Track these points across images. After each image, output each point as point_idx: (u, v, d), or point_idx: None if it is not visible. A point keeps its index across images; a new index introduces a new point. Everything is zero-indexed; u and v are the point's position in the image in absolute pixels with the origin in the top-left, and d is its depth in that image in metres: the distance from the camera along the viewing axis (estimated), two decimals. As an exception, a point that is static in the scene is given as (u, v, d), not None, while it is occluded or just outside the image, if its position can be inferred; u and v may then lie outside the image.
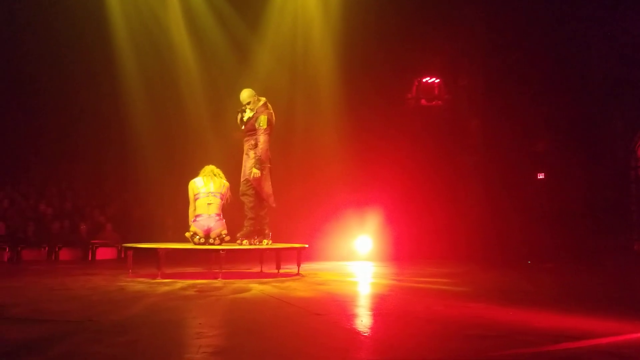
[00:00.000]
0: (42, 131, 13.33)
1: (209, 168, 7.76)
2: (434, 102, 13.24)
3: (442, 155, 12.94)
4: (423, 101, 13.24)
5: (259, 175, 7.59)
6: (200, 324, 4.24)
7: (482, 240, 11.91)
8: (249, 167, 7.68)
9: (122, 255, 10.19)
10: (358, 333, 3.99)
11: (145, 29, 12.65)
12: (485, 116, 12.71)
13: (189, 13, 12.76)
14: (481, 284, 7.41)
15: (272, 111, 7.82)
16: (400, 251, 11.59)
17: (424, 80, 13.29)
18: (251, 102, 7.79)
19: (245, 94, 7.84)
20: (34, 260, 10.72)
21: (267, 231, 7.84)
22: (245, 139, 7.86)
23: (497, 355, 3.33)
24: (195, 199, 7.56)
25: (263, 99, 7.84)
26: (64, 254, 11.19)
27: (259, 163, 7.59)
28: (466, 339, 3.77)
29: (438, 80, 13.32)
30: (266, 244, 7.75)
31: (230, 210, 7.84)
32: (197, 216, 7.51)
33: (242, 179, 7.83)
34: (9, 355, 3.14)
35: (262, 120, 7.65)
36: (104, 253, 11.38)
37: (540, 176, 12.57)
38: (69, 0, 11.84)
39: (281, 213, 10.98)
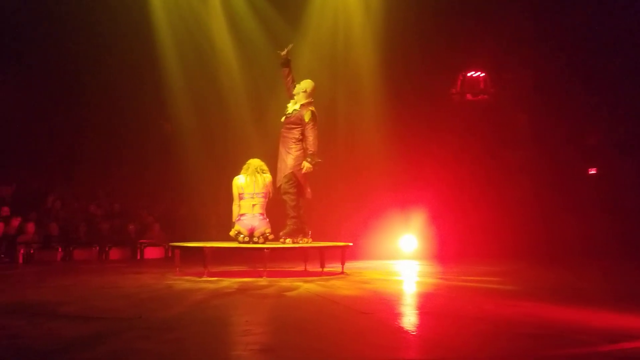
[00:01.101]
0: (89, 134, 13.63)
1: (254, 164, 7.68)
2: (479, 97, 12.96)
3: (488, 151, 12.66)
4: (468, 96, 12.98)
5: (311, 169, 7.58)
6: (246, 321, 4.24)
7: (531, 238, 11.62)
8: (292, 163, 7.65)
9: (169, 254, 10.36)
10: (405, 332, 3.92)
11: (186, 28, 12.80)
12: (533, 110, 12.39)
13: (230, 11, 12.85)
14: (531, 283, 7.21)
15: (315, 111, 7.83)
16: (446, 250, 11.40)
17: (469, 74, 13.04)
18: (299, 94, 7.78)
19: (303, 84, 7.80)
20: (85, 259, 11.00)
21: (307, 230, 7.83)
22: (284, 134, 7.78)
23: (550, 355, 3.22)
24: (240, 199, 7.60)
25: (309, 99, 7.83)
26: (114, 254, 11.45)
27: (314, 157, 7.58)
28: (517, 338, 3.66)
29: (483, 74, 13.05)
30: (306, 242, 7.74)
31: (272, 209, 7.83)
32: (241, 215, 7.56)
33: (281, 176, 7.72)
34: (61, 352, 3.21)
35: (307, 115, 7.66)
36: (152, 252, 11.59)
37: (592, 171, 12.18)
38: (113, 1, 12.08)
39: (325, 212, 10.98)
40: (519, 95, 12.69)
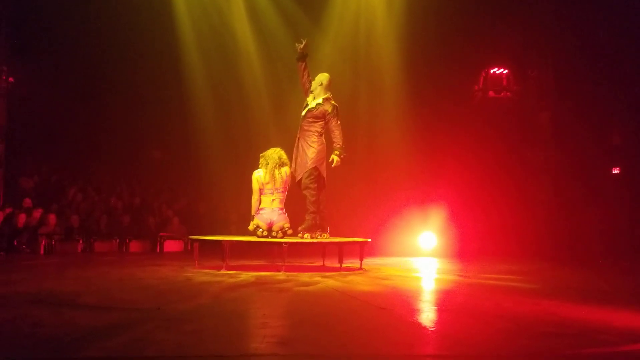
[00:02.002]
0: (111, 128, 13.77)
1: (274, 158, 7.57)
2: (502, 94, 12.82)
3: (510, 150, 12.54)
4: (491, 93, 12.84)
5: (340, 163, 7.55)
6: (264, 314, 4.24)
7: (552, 237, 11.48)
8: (314, 157, 7.61)
9: (188, 248, 10.43)
10: (424, 327, 3.89)
11: (208, 22, 12.86)
12: (557, 108, 12.22)
13: (251, 5, 12.86)
14: (553, 282, 7.12)
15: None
16: (466, 248, 11.31)
17: (492, 71, 12.90)
18: (316, 82, 7.76)
19: (319, 78, 7.78)
20: (106, 251, 11.12)
21: (326, 225, 7.81)
22: (305, 128, 7.74)
23: (573, 354, 3.16)
24: (260, 194, 7.59)
25: (329, 93, 7.82)
26: (134, 246, 11.56)
27: (342, 151, 7.56)
28: (539, 336, 3.61)
29: (506, 71, 12.90)
30: (325, 238, 7.72)
31: (291, 204, 7.82)
32: (260, 209, 7.56)
33: (301, 171, 7.66)
34: (81, 340, 3.23)
35: (331, 109, 7.64)
36: (171, 245, 11.69)
37: (616, 171, 11.99)
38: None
39: (345, 208, 10.97)
40: (542, 92, 12.53)
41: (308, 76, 7.90)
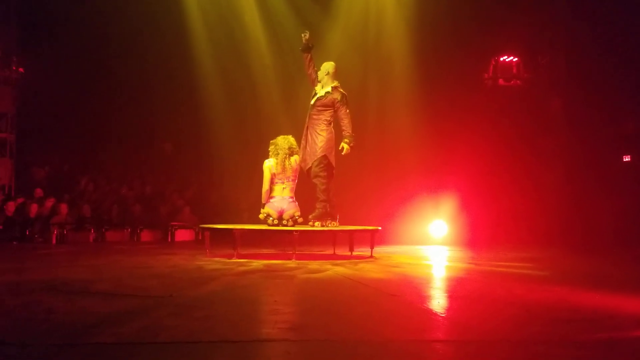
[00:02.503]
0: (121, 118, 13.81)
1: (284, 147, 7.58)
2: (512, 82, 12.74)
3: (521, 138, 12.46)
4: (501, 81, 12.76)
5: (350, 151, 7.54)
6: (275, 301, 4.26)
7: (563, 225, 11.42)
8: (324, 146, 7.60)
9: (200, 237, 10.47)
10: (434, 314, 3.89)
11: (218, 12, 12.82)
12: (568, 96, 12.13)
13: None
14: (564, 269, 7.09)
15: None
16: (477, 236, 11.28)
17: (502, 59, 12.80)
18: (322, 72, 7.75)
19: (325, 67, 7.79)
20: (117, 241, 11.19)
21: (336, 214, 7.81)
22: (314, 117, 7.74)
23: (585, 340, 3.15)
24: (271, 183, 7.60)
25: (336, 82, 7.80)
26: (145, 236, 11.63)
27: (352, 139, 7.55)
28: (551, 322, 3.60)
29: (517, 59, 12.80)
30: (335, 226, 7.73)
31: (302, 193, 7.83)
32: (270, 198, 7.58)
33: (310, 160, 7.66)
34: (94, 326, 3.26)
35: (340, 97, 7.64)
36: (183, 235, 11.74)
37: (627, 158, 11.90)
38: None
39: (355, 196, 10.96)
40: (553, 80, 12.43)
41: (314, 67, 7.91)
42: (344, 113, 7.65)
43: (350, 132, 7.61)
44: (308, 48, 7.92)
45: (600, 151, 11.75)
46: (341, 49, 11.69)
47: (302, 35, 7.93)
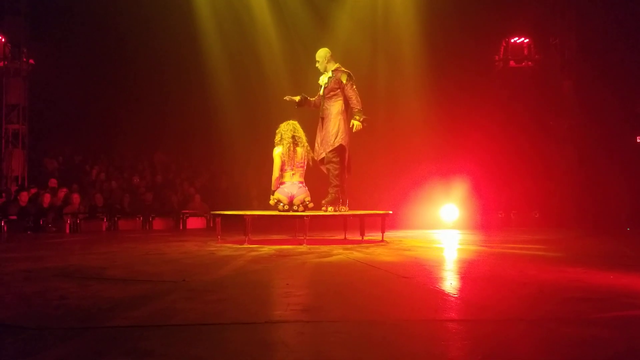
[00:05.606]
0: (132, 109, 13.86)
1: (289, 132, 7.59)
2: (523, 64, 12.62)
3: (533, 120, 12.37)
4: (512, 63, 12.65)
5: (361, 127, 7.48)
6: (287, 284, 4.26)
7: (576, 206, 11.35)
8: (338, 134, 7.57)
9: (211, 225, 10.53)
10: (446, 295, 3.87)
11: (226, 0, 12.78)
12: (580, 76, 12.02)
13: None
14: (577, 250, 7.05)
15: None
16: (489, 219, 11.24)
17: (513, 40, 12.67)
18: (321, 63, 7.71)
19: (318, 53, 7.79)
20: (130, 229, 11.26)
21: (345, 199, 7.81)
22: (326, 105, 7.72)
23: (598, 318, 3.13)
24: (282, 170, 7.61)
25: (337, 64, 7.76)
26: (157, 224, 11.71)
27: (361, 114, 7.49)
28: (564, 301, 3.58)
29: (528, 40, 12.66)
30: (345, 211, 7.72)
31: (312, 178, 7.82)
32: (281, 184, 7.59)
33: (323, 149, 7.66)
34: (108, 311, 3.29)
35: (344, 77, 7.59)
36: (194, 222, 11.81)
37: (640, 139, 11.79)
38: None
39: (366, 181, 10.94)
40: (564, 61, 12.29)
41: (314, 98, 7.90)
42: (350, 89, 7.59)
43: (359, 107, 7.53)
44: (302, 103, 7.92)
45: (613, 132, 11.65)
46: (349, 32, 11.63)
47: (287, 99, 7.89)
